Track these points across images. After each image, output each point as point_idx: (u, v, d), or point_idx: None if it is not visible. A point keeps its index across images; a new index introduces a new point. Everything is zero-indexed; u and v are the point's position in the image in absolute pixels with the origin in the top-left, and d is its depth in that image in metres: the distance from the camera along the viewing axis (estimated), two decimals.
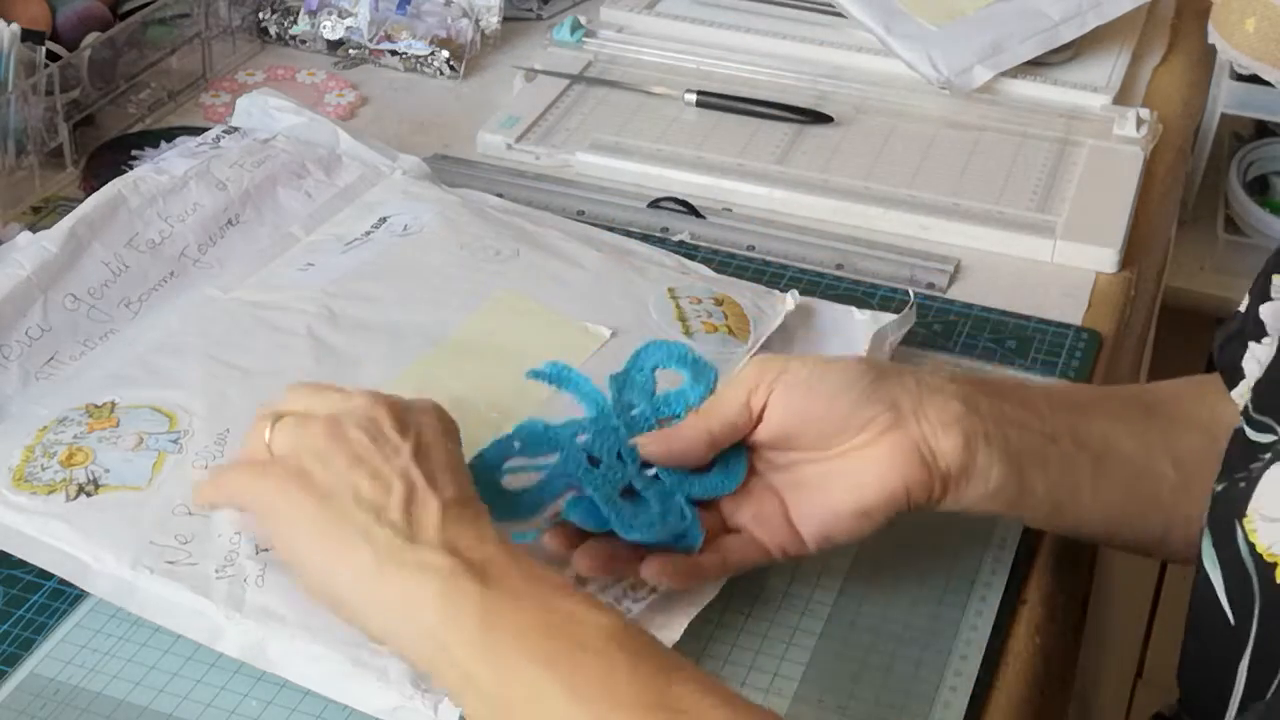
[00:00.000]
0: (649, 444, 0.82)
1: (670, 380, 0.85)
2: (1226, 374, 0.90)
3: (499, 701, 0.70)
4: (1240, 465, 0.80)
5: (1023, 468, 0.82)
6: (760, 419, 0.82)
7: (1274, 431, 0.80)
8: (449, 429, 0.79)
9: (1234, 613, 0.78)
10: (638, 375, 0.84)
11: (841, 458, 0.81)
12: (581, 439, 0.82)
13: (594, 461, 0.81)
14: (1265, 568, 0.75)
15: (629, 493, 0.81)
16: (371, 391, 0.79)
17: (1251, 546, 0.76)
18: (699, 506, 0.81)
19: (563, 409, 0.85)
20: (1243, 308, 0.90)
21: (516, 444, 0.82)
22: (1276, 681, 0.75)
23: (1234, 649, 0.78)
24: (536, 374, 0.85)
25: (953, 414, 0.81)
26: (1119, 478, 0.85)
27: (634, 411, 0.83)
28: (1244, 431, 0.82)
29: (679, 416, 0.83)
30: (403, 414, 0.78)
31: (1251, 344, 0.88)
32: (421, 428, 0.77)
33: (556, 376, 0.85)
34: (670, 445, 0.81)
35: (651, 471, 0.82)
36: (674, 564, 0.80)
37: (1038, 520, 0.88)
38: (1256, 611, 0.76)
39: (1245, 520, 0.76)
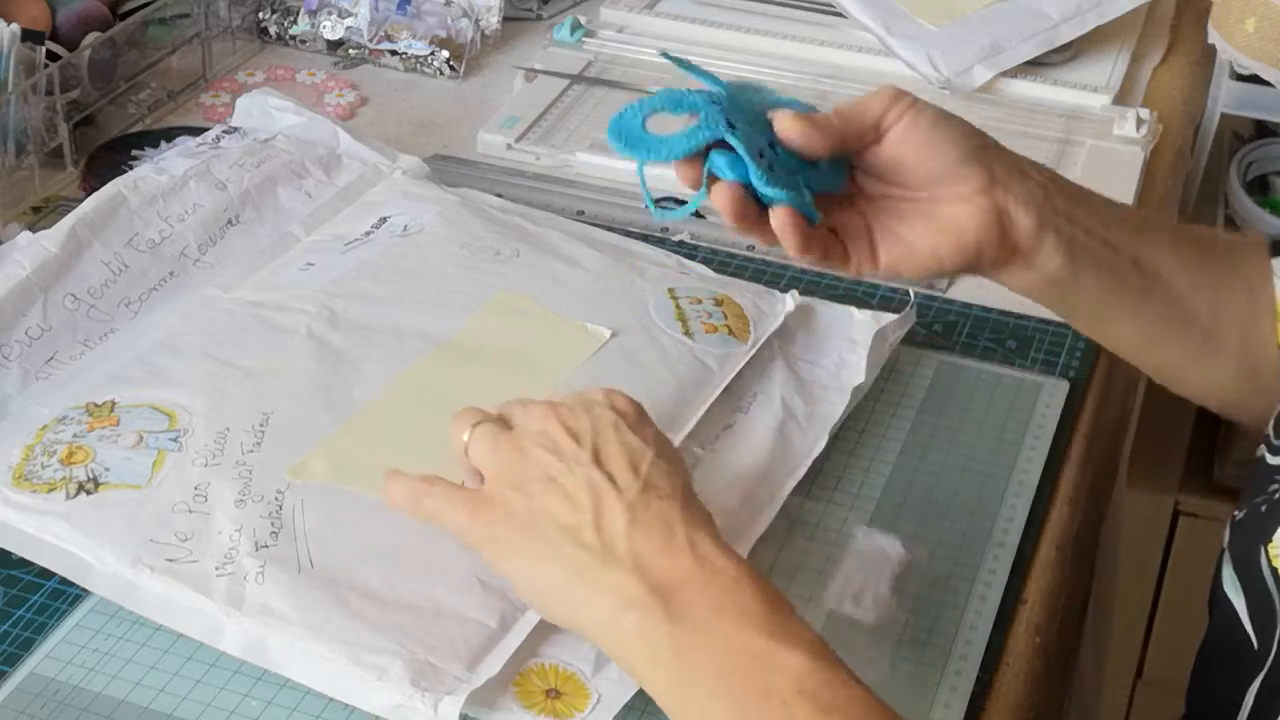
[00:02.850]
0: (786, 119, 0.84)
1: None
2: (1276, 244, 0.92)
3: None
4: (1259, 490, 0.81)
5: (1081, 266, 0.87)
6: (881, 139, 0.86)
7: None
8: (623, 410, 0.81)
9: (1258, 637, 0.79)
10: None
11: (931, 202, 0.86)
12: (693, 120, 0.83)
13: (731, 126, 0.83)
14: None
15: (760, 158, 0.83)
16: (543, 405, 0.81)
17: (1275, 571, 0.78)
18: None
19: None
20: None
21: (659, 103, 0.84)
22: None
23: (1250, 671, 0.79)
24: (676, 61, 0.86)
25: (1035, 198, 0.86)
26: (1161, 303, 0.89)
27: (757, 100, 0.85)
28: (1264, 457, 0.83)
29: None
30: (573, 419, 0.80)
31: None
32: (597, 424, 0.79)
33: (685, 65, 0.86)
34: (806, 126, 0.84)
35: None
36: (796, 220, 0.83)
37: (1081, 323, 0.94)
38: (1279, 635, 0.77)
39: (1270, 546, 0.78)
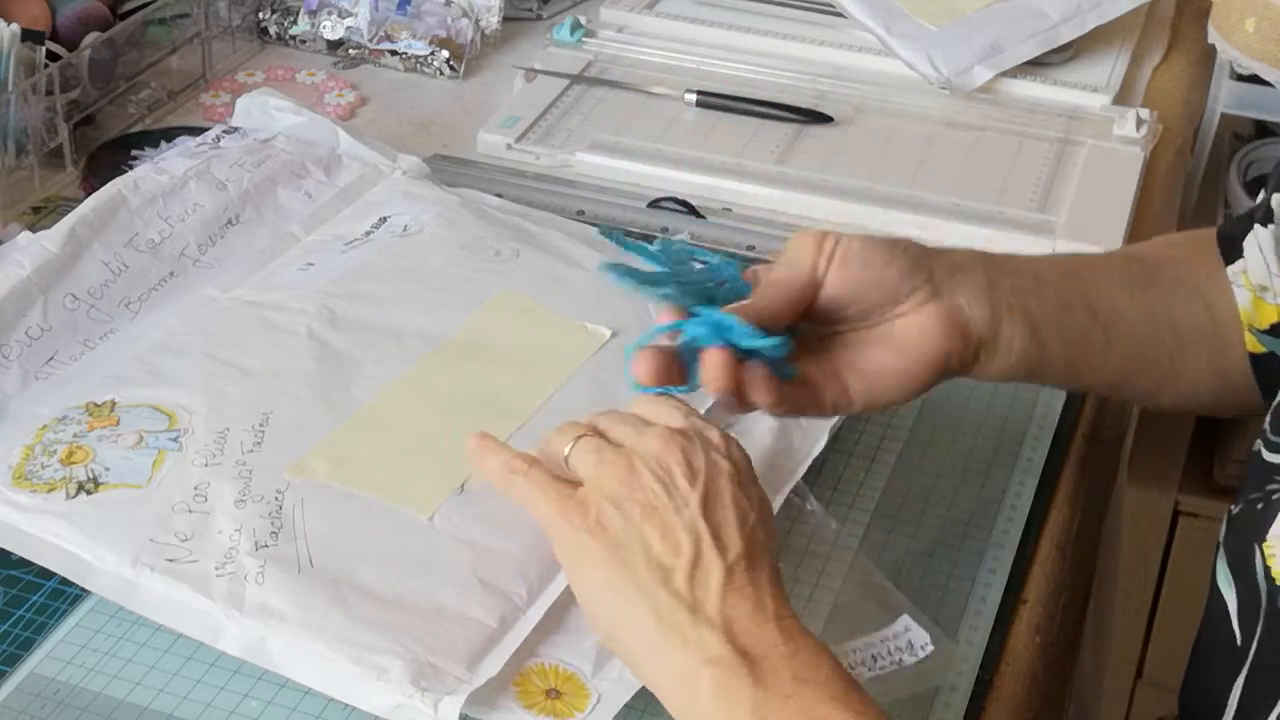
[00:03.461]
0: (742, 314, 0.83)
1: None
2: (1225, 245, 0.92)
3: None
4: (1256, 487, 0.81)
5: (1043, 337, 0.87)
6: (819, 288, 0.85)
7: None
8: (738, 463, 0.79)
9: (1242, 634, 0.79)
10: (678, 250, 0.86)
11: (885, 325, 0.85)
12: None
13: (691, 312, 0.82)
14: (1276, 591, 0.76)
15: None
16: (665, 430, 0.78)
17: (1268, 570, 0.78)
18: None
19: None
20: (1260, 198, 0.94)
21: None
22: (1274, 711, 0.76)
23: (1235, 669, 0.79)
24: (611, 268, 0.83)
25: (979, 286, 0.86)
26: (1126, 343, 0.90)
27: (693, 270, 0.84)
28: (1260, 453, 0.82)
29: (727, 283, 0.84)
30: (694, 455, 0.77)
31: (1258, 226, 0.91)
32: (712, 471, 0.77)
33: (623, 270, 0.83)
34: (760, 316, 0.82)
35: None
36: (772, 380, 0.82)
37: (1055, 382, 0.94)
38: (1259, 632, 0.77)
39: (1265, 545, 0.78)
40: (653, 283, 0.82)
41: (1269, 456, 0.82)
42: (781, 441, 0.92)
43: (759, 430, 0.93)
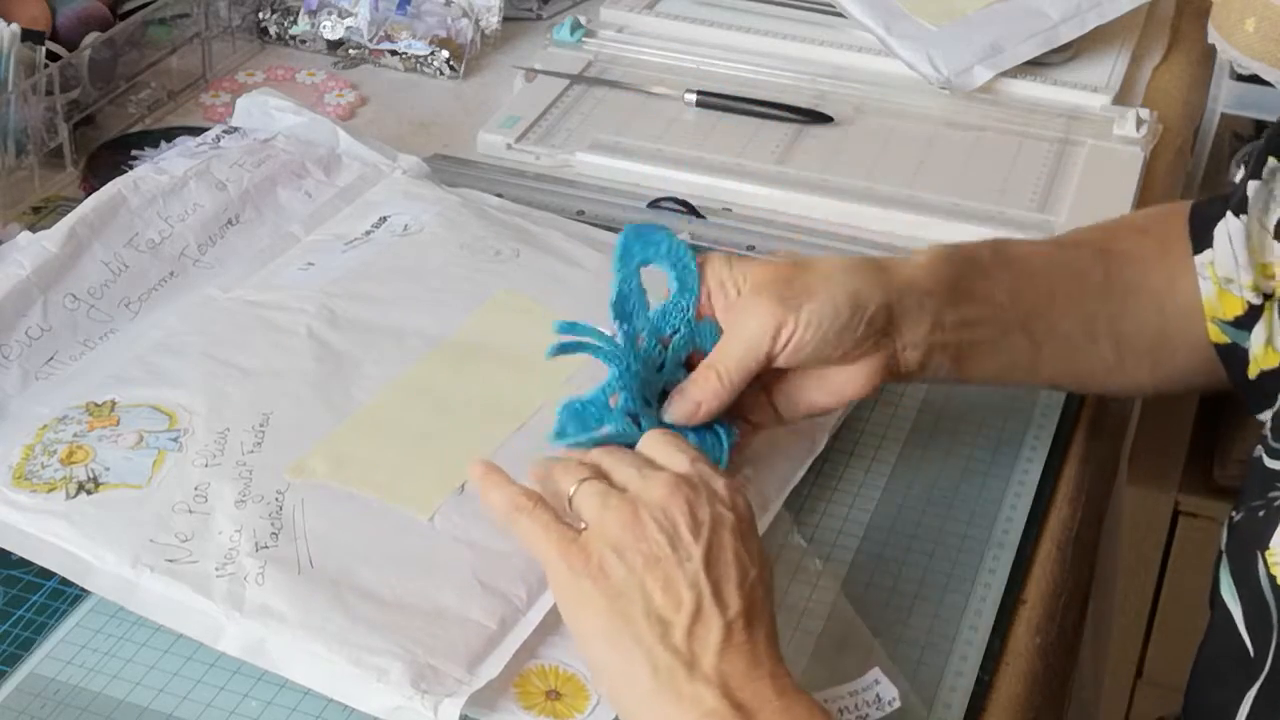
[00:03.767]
0: (678, 410, 0.86)
1: (655, 281, 0.88)
2: (1197, 229, 0.93)
3: None
4: (1258, 494, 0.81)
5: (971, 363, 0.91)
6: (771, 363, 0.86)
7: None
8: (742, 515, 0.78)
9: (1254, 644, 0.79)
10: (632, 296, 0.87)
11: (823, 372, 0.88)
12: (614, 400, 0.85)
13: (635, 419, 0.84)
14: None
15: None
16: (671, 478, 0.78)
17: (1273, 579, 0.78)
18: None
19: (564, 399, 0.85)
20: (1237, 178, 0.93)
21: (569, 428, 0.84)
22: None
23: (1247, 679, 0.79)
24: (559, 349, 0.85)
25: (923, 334, 0.88)
26: (1061, 360, 0.93)
27: (642, 343, 0.86)
28: (1262, 459, 0.82)
29: (679, 331, 0.87)
30: (699, 507, 0.77)
31: (1230, 215, 0.92)
32: (716, 524, 0.76)
33: (573, 346, 0.86)
34: (692, 413, 0.86)
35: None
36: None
37: (975, 383, 0.96)
38: (1274, 644, 0.77)
39: (1268, 553, 0.78)
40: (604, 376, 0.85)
41: (1270, 463, 0.82)
42: (781, 442, 0.92)
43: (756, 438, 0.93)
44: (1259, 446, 0.84)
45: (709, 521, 0.76)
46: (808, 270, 0.87)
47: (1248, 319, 0.90)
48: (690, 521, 0.76)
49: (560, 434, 0.84)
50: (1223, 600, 0.82)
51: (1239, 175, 1.66)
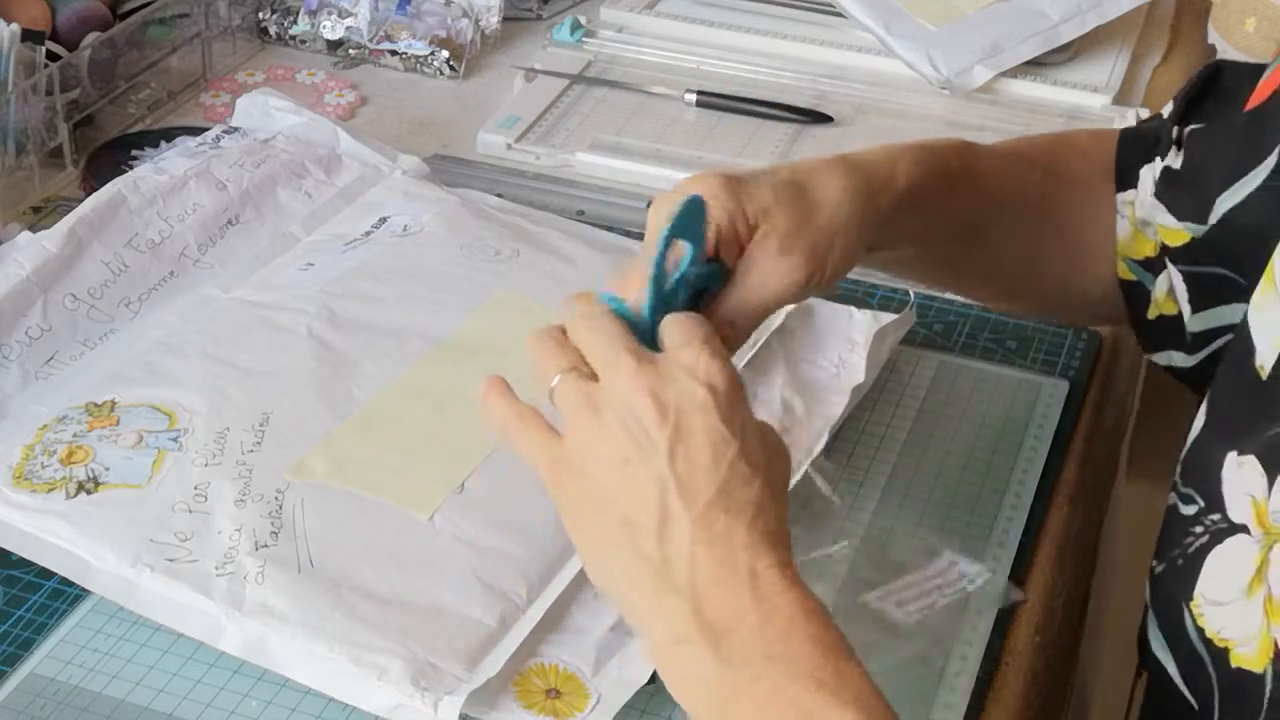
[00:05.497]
0: None
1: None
2: (1123, 166, 0.95)
3: None
4: (1175, 542, 0.79)
5: (902, 267, 0.95)
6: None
7: (1196, 502, 0.79)
8: (716, 385, 0.70)
9: (1195, 698, 0.77)
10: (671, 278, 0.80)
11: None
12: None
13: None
14: (1218, 652, 0.74)
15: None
16: (633, 365, 0.70)
17: (1201, 631, 0.76)
18: None
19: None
20: (1165, 112, 0.95)
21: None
22: None
23: None
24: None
25: (854, 261, 0.84)
26: (981, 273, 0.97)
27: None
28: (1177, 507, 0.81)
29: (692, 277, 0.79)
30: (663, 390, 0.69)
31: (1158, 158, 0.92)
32: (681, 402, 0.69)
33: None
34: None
35: None
36: None
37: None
38: (1217, 696, 0.75)
39: (1193, 604, 0.76)
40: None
41: (1184, 509, 0.80)
42: (793, 415, 0.93)
43: (773, 403, 0.93)
44: (1171, 494, 0.82)
45: (674, 403, 0.69)
46: (818, 207, 0.81)
47: (1157, 263, 0.92)
48: (655, 410, 0.69)
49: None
50: (1155, 657, 0.80)
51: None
